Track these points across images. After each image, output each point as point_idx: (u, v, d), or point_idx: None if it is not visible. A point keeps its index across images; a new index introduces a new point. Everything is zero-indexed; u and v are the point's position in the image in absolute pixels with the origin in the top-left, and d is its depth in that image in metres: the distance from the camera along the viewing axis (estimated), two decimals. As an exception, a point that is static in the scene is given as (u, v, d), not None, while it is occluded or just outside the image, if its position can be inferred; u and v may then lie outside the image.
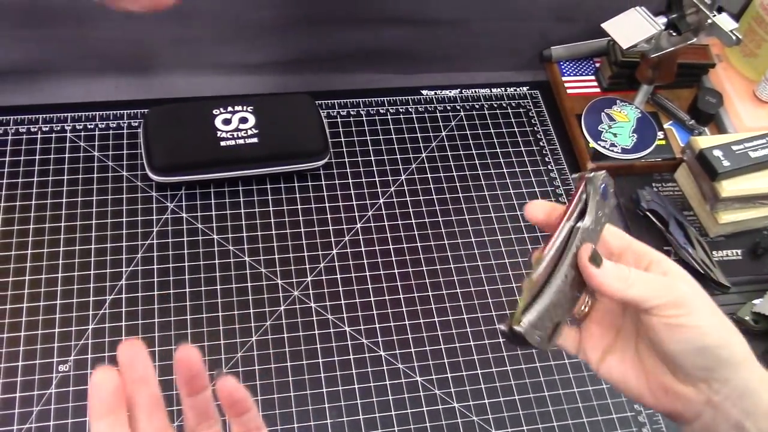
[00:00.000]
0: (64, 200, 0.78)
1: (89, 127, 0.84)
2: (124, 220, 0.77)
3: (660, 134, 0.90)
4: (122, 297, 0.73)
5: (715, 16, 0.80)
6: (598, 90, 0.95)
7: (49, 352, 0.69)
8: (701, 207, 0.86)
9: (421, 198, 0.84)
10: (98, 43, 0.84)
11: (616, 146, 0.88)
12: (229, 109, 0.81)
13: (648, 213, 0.85)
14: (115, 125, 0.84)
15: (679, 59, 0.89)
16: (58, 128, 0.83)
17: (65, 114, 0.84)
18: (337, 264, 0.78)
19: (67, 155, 0.81)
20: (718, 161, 0.81)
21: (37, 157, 0.81)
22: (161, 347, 0.70)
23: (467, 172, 0.87)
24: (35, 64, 0.85)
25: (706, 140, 0.85)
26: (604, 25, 0.80)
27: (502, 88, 0.95)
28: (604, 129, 0.90)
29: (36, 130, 0.82)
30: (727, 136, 0.88)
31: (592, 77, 0.96)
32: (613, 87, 0.94)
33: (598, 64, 0.97)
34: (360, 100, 0.91)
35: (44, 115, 0.83)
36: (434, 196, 0.84)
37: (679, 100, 0.94)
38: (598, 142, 0.88)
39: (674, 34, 0.83)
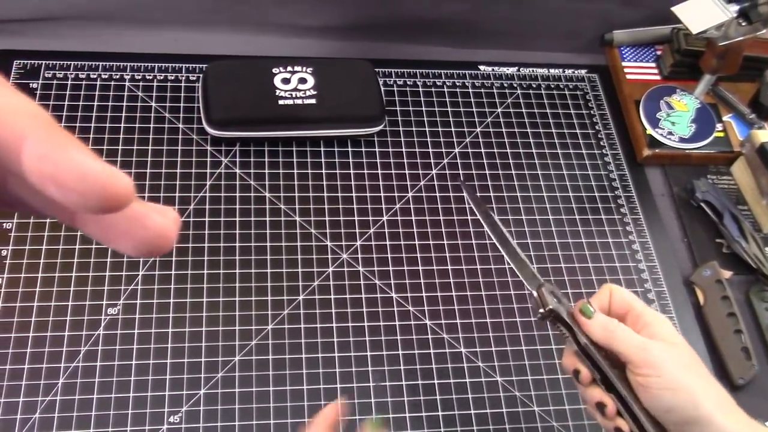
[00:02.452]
0: (120, 147, 0.78)
1: (148, 77, 0.84)
2: (178, 171, 0.77)
3: (719, 126, 0.89)
4: (173, 246, 0.73)
5: (788, 7, 0.78)
6: (658, 77, 0.93)
7: (99, 295, 0.69)
8: (756, 202, 0.84)
9: (474, 172, 0.83)
10: (162, -5, 0.84)
11: (673, 135, 0.87)
12: (289, 68, 0.81)
13: (702, 204, 0.84)
14: (173, 78, 0.84)
15: (744, 51, 0.87)
16: (117, 77, 0.83)
17: (125, 63, 0.84)
18: (386, 231, 0.77)
19: (124, 104, 0.81)
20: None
21: (95, 103, 0.81)
22: (209, 298, 0.70)
23: (521, 150, 0.86)
24: (99, 12, 0.85)
25: (766, 134, 0.83)
26: (674, 9, 0.78)
27: (560, 69, 0.94)
28: (662, 117, 0.88)
29: (95, 77, 0.83)
30: (789, 131, 0.86)
31: (653, 64, 0.94)
32: (674, 75, 0.93)
33: (659, 52, 0.95)
34: (417, 70, 0.90)
35: (104, 63, 0.84)
36: (486, 172, 0.83)
37: (740, 93, 0.92)
38: (656, 129, 0.87)
39: (744, 23, 0.81)
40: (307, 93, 0.80)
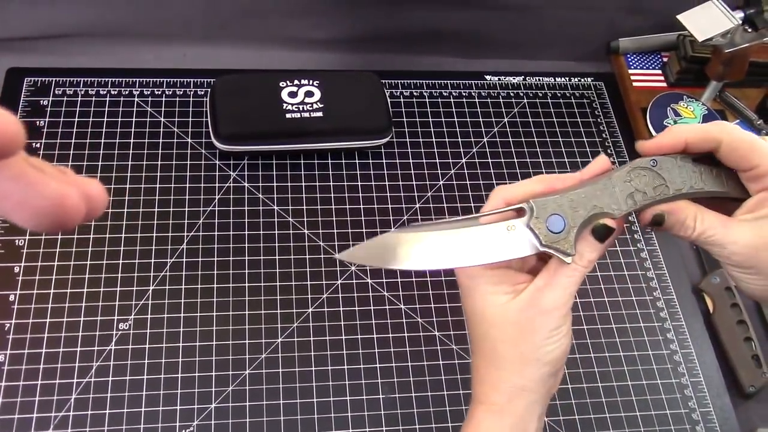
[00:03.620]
0: (129, 163, 0.79)
1: (156, 93, 0.84)
2: (187, 186, 0.78)
3: (726, 132, 0.89)
4: (183, 261, 0.73)
5: (794, 13, 0.78)
6: (664, 84, 0.93)
7: (110, 310, 0.70)
8: (765, 208, 0.84)
9: (481, 182, 0.83)
10: (170, 11, 0.85)
11: (680, 142, 0.87)
12: (296, 82, 0.82)
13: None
14: (181, 92, 0.85)
15: (750, 58, 0.87)
16: (126, 92, 0.84)
17: (134, 79, 0.85)
18: (394, 242, 0.77)
19: (134, 119, 0.82)
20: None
21: (104, 119, 0.82)
22: (219, 312, 0.71)
23: (528, 160, 0.86)
24: (108, 29, 0.86)
25: (775, 140, 0.83)
26: (680, 17, 0.78)
27: (567, 78, 0.94)
28: (669, 124, 0.88)
29: (105, 93, 0.83)
30: (797, 137, 0.86)
31: (659, 71, 0.94)
32: (680, 82, 0.93)
33: (665, 59, 0.95)
34: (424, 81, 0.91)
35: (113, 79, 0.84)
36: (494, 182, 0.84)
37: (748, 99, 0.92)
38: (663, 137, 0.87)
39: (749, 30, 0.81)
40: (314, 106, 0.80)
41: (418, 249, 0.43)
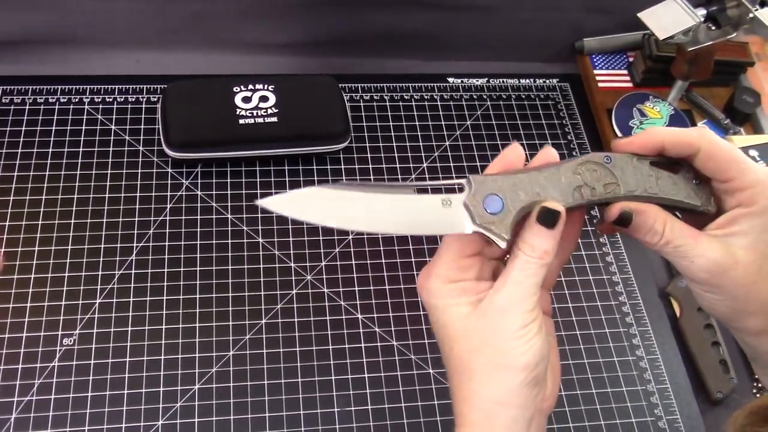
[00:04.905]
0: (78, 172, 0.76)
1: (108, 100, 0.82)
2: (138, 195, 0.76)
3: (693, 132, 0.87)
4: (131, 272, 0.71)
5: (757, 10, 0.76)
6: (630, 84, 0.92)
7: (54, 325, 0.67)
8: (733, 209, 0.82)
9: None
10: (122, 16, 0.83)
11: (646, 143, 0.85)
12: (250, 87, 0.80)
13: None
14: (134, 99, 0.83)
15: (716, 56, 0.85)
16: (77, 100, 0.81)
17: (84, 86, 0.82)
18: (352, 250, 0.75)
19: (83, 128, 0.80)
20: (754, 161, 0.78)
21: (53, 128, 0.79)
22: (168, 326, 0.68)
23: (491, 163, 0.84)
24: (59, 35, 0.84)
25: (742, 140, 0.82)
26: (640, 15, 0.77)
27: (531, 79, 0.93)
28: (635, 125, 0.87)
29: (54, 101, 0.81)
30: (765, 136, 0.85)
31: (625, 71, 0.93)
32: (646, 82, 0.91)
33: (631, 58, 0.94)
34: (384, 84, 0.89)
35: (63, 86, 0.82)
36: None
37: (715, 98, 0.91)
38: (629, 138, 0.85)
39: (713, 27, 0.80)
40: (269, 111, 0.78)
41: (343, 207, 0.40)
